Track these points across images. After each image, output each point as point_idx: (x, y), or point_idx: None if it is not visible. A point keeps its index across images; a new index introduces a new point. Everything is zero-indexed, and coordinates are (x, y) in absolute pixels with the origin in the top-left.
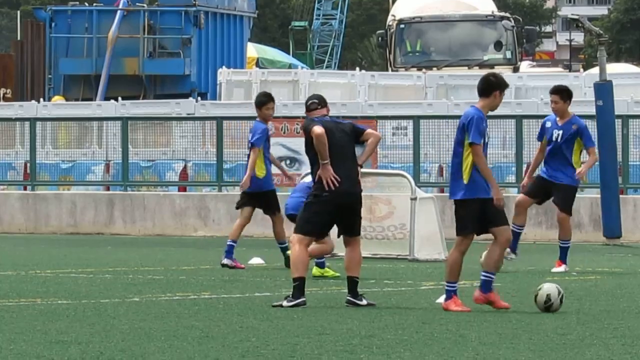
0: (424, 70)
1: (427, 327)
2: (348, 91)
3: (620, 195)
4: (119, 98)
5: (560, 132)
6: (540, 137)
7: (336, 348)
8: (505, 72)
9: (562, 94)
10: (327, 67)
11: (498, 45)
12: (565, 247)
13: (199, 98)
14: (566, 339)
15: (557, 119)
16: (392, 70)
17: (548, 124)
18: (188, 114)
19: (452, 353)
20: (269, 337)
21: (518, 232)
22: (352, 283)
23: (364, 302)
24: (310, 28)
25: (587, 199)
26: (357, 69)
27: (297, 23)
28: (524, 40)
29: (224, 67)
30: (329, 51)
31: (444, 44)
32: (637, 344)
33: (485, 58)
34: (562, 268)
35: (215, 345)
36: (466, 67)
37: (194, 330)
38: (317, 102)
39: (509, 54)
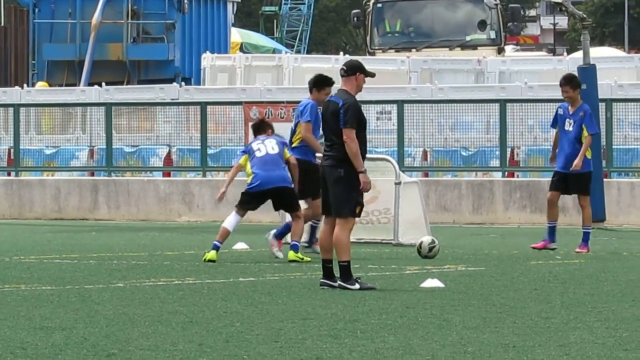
0: (407, 54)
1: (412, 312)
2: (332, 76)
3: (604, 179)
4: (103, 83)
5: (572, 121)
6: (553, 125)
7: (320, 333)
8: (489, 53)
9: (573, 82)
10: (296, 52)
11: (482, 25)
12: (587, 233)
13: (183, 83)
14: (550, 322)
15: (569, 107)
16: (369, 52)
17: (560, 112)
18: (172, 99)
19: (436, 337)
20: (253, 322)
21: (552, 227)
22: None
23: (337, 283)
24: (280, 13)
25: None
26: (341, 53)
27: (267, 8)
28: (509, 20)
29: (207, 52)
30: (298, 36)
31: (424, 24)
32: (621, 327)
33: (468, 38)
34: (584, 251)
35: (200, 331)
36: (447, 49)
37: (178, 315)
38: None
39: (492, 34)
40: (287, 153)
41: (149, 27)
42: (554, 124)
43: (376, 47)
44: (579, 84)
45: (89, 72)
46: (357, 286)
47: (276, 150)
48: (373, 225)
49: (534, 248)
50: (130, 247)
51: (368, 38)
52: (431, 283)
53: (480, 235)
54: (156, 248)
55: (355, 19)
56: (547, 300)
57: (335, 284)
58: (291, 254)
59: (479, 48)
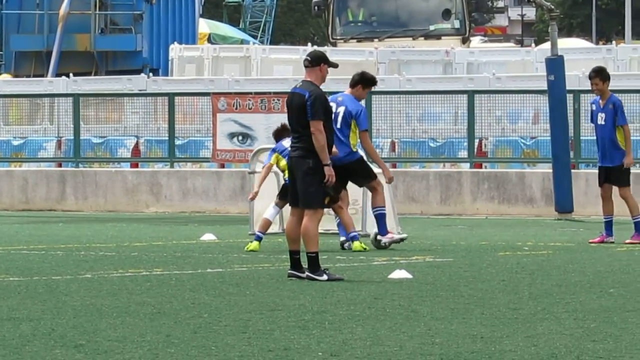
0: (375, 45)
1: (380, 303)
2: (300, 67)
3: (572, 170)
4: (71, 74)
5: (604, 114)
6: (592, 120)
7: (288, 324)
8: (453, 43)
9: (602, 75)
10: (259, 43)
11: (446, 14)
12: (638, 222)
13: (151, 74)
14: (518, 313)
15: (600, 100)
16: (330, 42)
17: (593, 107)
18: (140, 90)
19: (404, 328)
20: (221, 313)
21: (608, 221)
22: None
23: (305, 274)
24: (243, 3)
25: (539, 173)
26: (309, 44)
27: None
28: (474, 9)
29: (175, 43)
30: (261, 27)
31: (387, 13)
32: (588, 318)
33: (432, 28)
34: (637, 241)
35: (168, 322)
36: (410, 38)
37: (146, 306)
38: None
39: (457, 24)
40: None
41: (117, 18)
42: (592, 120)
43: (337, 37)
44: (608, 76)
45: (56, 63)
46: (325, 277)
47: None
48: None
49: (591, 243)
50: (98, 238)
51: (329, 27)
52: (399, 274)
53: (448, 226)
54: (124, 239)
55: (316, 7)
56: (515, 291)
57: (303, 275)
58: (356, 245)
59: (443, 38)
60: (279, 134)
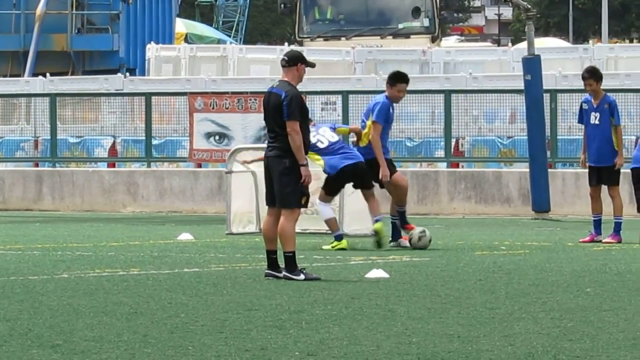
0: (353, 45)
1: (356, 302)
2: (277, 67)
3: (549, 170)
4: (47, 74)
5: (597, 114)
6: (580, 120)
7: (265, 323)
8: (422, 42)
9: (596, 75)
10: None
11: (416, 12)
12: (618, 223)
13: (128, 74)
14: (495, 313)
15: (592, 100)
16: (297, 41)
17: (585, 106)
18: (116, 90)
19: (381, 328)
20: (198, 313)
21: (597, 220)
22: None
23: (282, 274)
24: (216, 3)
25: (516, 173)
26: (286, 44)
27: None
28: (444, 7)
29: (152, 42)
30: (234, 27)
31: (356, 11)
32: (565, 317)
33: (401, 26)
34: (615, 240)
35: (144, 322)
36: (379, 37)
37: (123, 306)
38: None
39: (426, 22)
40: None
41: (94, 18)
42: (580, 120)
43: (304, 36)
44: (601, 76)
45: (33, 63)
46: (302, 277)
47: (336, 137)
48: (318, 215)
49: (582, 242)
50: (75, 237)
51: (297, 26)
52: (376, 274)
53: (425, 225)
54: (101, 239)
55: (282, 5)
56: (492, 290)
57: (280, 275)
58: (378, 226)
59: (412, 37)
60: None
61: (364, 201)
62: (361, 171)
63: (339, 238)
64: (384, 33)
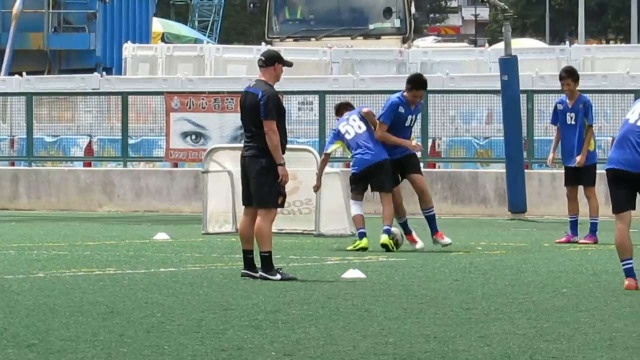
0: (329, 45)
1: (333, 302)
2: (254, 66)
3: (525, 170)
4: (24, 73)
5: (573, 114)
6: (554, 121)
7: (241, 323)
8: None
9: (574, 75)
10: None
11: (387, 13)
12: (595, 223)
13: (104, 73)
14: (471, 313)
15: (568, 100)
16: (266, 41)
17: (560, 107)
18: (93, 89)
19: (357, 328)
20: (174, 312)
21: (573, 221)
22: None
23: (258, 274)
24: (191, 3)
25: (492, 173)
26: (263, 44)
27: None
28: (416, 7)
29: (129, 42)
30: (209, 26)
31: (326, 11)
32: (542, 318)
33: (371, 27)
34: (591, 241)
35: (120, 321)
36: (349, 38)
37: (99, 306)
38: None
39: (398, 23)
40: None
41: (70, 17)
42: (554, 121)
43: (274, 36)
44: (578, 77)
45: (9, 62)
46: (278, 277)
47: (363, 128)
48: (294, 215)
49: (558, 243)
50: (51, 237)
51: (266, 26)
52: (352, 274)
53: None
54: (77, 238)
55: (251, 5)
56: (468, 291)
57: (257, 275)
58: (382, 240)
59: (382, 37)
60: (338, 109)
61: (340, 201)
62: (377, 171)
63: (360, 236)
64: (354, 34)
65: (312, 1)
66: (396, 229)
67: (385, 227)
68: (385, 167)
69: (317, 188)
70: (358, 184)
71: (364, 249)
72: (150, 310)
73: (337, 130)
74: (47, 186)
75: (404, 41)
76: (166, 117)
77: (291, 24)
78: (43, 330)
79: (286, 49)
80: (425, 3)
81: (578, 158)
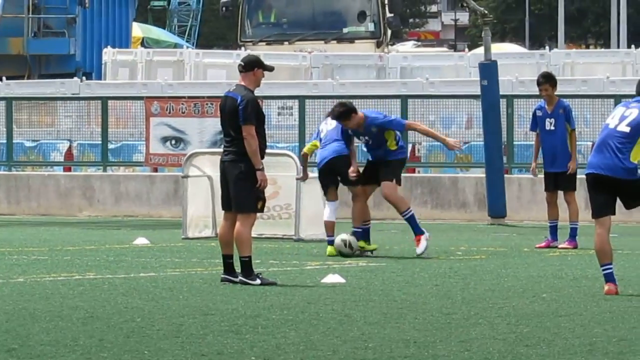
0: (309, 50)
1: (313, 307)
2: (234, 71)
3: (505, 175)
4: (3, 78)
5: (552, 120)
6: (533, 127)
7: (221, 328)
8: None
9: (552, 80)
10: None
11: (361, 16)
12: (574, 228)
13: (84, 78)
14: (451, 318)
15: (546, 106)
16: (239, 45)
17: (539, 113)
18: (73, 94)
19: (337, 333)
20: (154, 317)
21: (553, 226)
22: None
23: (238, 278)
24: (169, 7)
25: (472, 178)
26: (242, 48)
27: (155, 3)
28: (389, 11)
29: (109, 46)
30: (187, 31)
31: (300, 14)
32: (521, 323)
33: (345, 31)
34: (571, 246)
35: (100, 326)
36: (322, 41)
37: (79, 310)
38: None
39: (372, 26)
40: None
41: (50, 22)
42: (534, 127)
43: (246, 39)
44: (556, 82)
45: None
46: (258, 281)
47: (333, 125)
48: (274, 220)
49: (538, 248)
50: (31, 242)
51: (239, 29)
52: (332, 279)
53: (381, 230)
54: (57, 243)
55: (223, 8)
56: (448, 295)
57: (237, 280)
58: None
59: (356, 41)
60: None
61: (319, 206)
62: (336, 167)
63: (330, 242)
64: (327, 37)
65: (286, 4)
66: (345, 235)
67: (355, 228)
68: (344, 161)
69: (303, 179)
70: (323, 181)
71: (330, 255)
72: (130, 315)
73: (318, 130)
74: (27, 191)
75: (378, 45)
76: (146, 121)
77: (264, 28)
78: (23, 335)
79: (266, 53)
80: (399, 7)
81: (570, 165)
